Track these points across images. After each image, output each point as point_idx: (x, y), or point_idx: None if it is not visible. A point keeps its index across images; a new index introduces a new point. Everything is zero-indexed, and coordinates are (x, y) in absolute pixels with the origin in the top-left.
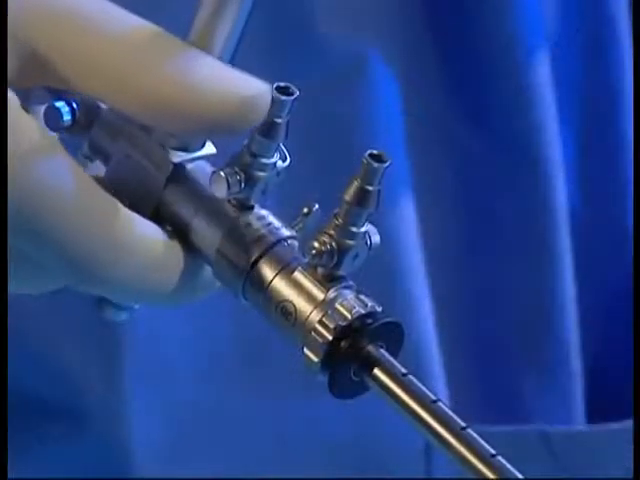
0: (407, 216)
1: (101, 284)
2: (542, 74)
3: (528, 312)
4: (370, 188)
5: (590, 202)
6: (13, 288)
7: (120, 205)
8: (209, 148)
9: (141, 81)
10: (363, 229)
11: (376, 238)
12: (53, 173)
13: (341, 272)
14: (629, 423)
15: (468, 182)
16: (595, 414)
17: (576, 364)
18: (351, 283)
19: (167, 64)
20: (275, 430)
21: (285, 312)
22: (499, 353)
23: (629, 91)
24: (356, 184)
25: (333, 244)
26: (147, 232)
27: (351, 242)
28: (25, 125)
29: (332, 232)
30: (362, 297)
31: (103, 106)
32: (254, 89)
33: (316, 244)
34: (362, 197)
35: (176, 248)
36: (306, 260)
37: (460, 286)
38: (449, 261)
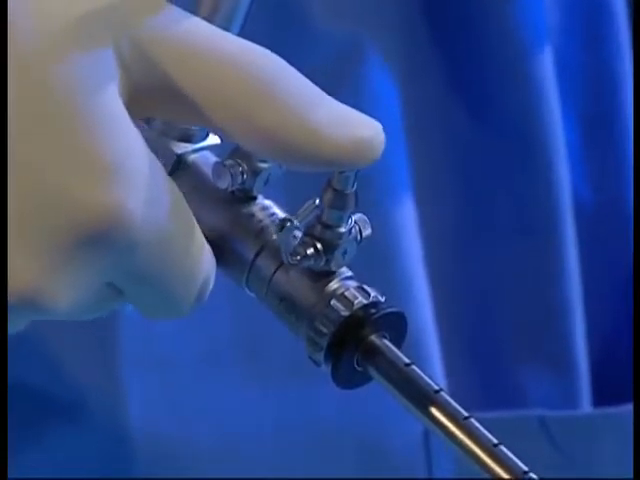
0: (407, 207)
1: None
2: (543, 63)
3: (528, 299)
4: (347, 192)
5: (594, 190)
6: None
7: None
8: (213, 138)
9: (265, 119)
10: (346, 228)
11: (367, 231)
12: (171, 216)
13: (334, 268)
14: (628, 408)
15: (469, 172)
16: (594, 399)
17: (576, 350)
18: (351, 274)
19: (290, 102)
20: (274, 417)
21: (288, 303)
22: (499, 340)
23: (630, 79)
24: (331, 189)
25: (318, 245)
26: (209, 256)
27: (337, 241)
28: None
29: (316, 234)
30: (365, 287)
31: None
32: (368, 131)
33: (300, 249)
34: (340, 201)
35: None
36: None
37: (460, 274)
38: (449, 250)
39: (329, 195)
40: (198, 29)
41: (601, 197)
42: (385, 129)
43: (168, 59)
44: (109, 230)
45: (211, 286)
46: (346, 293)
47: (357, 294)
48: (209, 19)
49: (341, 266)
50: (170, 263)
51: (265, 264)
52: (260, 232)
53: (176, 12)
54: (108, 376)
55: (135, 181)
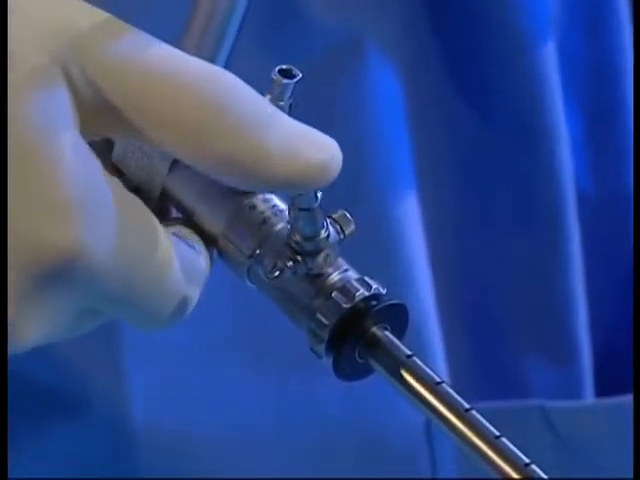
0: (409, 200)
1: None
2: (546, 56)
3: (531, 290)
4: (312, 209)
5: (596, 181)
6: (64, 337)
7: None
8: None
9: (217, 144)
10: (323, 234)
11: (349, 228)
12: (145, 241)
13: (316, 271)
14: (629, 398)
15: (471, 165)
16: (596, 389)
17: (579, 340)
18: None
19: (242, 124)
20: (276, 410)
21: (290, 295)
22: (500, 331)
23: (631, 69)
24: (295, 208)
25: (298, 257)
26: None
27: (316, 250)
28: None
29: (293, 245)
30: (366, 279)
31: None
32: (322, 155)
33: (280, 262)
34: (307, 218)
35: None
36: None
37: (462, 266)
38: (452, 242)
39: (294, 214)
40: (153, 51)
41: (604, 189)
42: (386, 122)
43: (121, 83)
44: (69, 267)
45: (194, 301)
46: (347, 285)
47: (358, 286)
48: (209, 15)
49: (323, 269)
50: (139, 287)
51: (267, 256)
52: (262, 224)
53: (132, 35)
54: (111, 369)
55: (93, 215)
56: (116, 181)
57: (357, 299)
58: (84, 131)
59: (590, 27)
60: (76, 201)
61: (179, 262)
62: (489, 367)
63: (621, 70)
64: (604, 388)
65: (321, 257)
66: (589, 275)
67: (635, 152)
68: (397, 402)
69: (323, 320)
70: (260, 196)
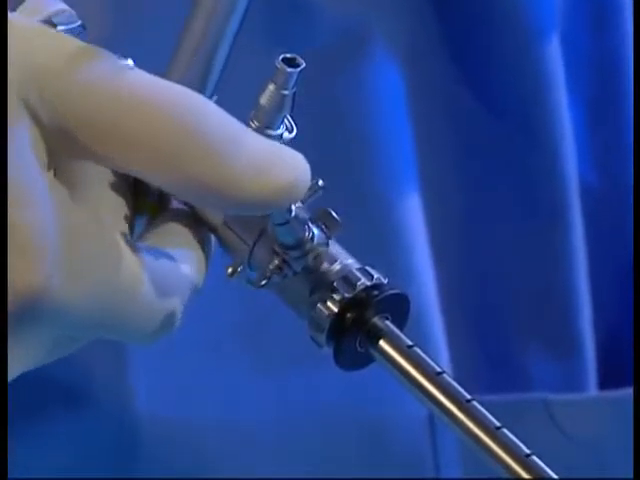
0: (412, 192)
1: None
2: (550, 47)
3: (534, 282)
4: (289, 221)
5: (599, 174)
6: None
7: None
8: None
9: (185, 167)
10: (307, 236)
11: (336, 227)
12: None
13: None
14: (632, 391)
15: (474, 157)
16: (600, 382)
17: (582, 332)
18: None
19: (211, 147)
20: (277, 402)
21: (291, 284)
22: (503, 323)
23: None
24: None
25: (285, 266)
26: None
27: (304, 254)
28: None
29: (280, 253)
30: (368, 269)
31: None
32: (290, 175)
33: (267, 271)
34: (286, 229)
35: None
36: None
37: (465, 258)
38: (454, 235)
39: (272, 229)
40: (120, 76)
41: (607, 182)
42: (390, 115)
43: (88, 108)
44: (33, 305)
45: (178, 312)
46: (349, 275)
47: (360, 276)
48: (213, 5)
49: (317, 266)
50: (109, 313)
51: (268, 245)
52: None
53: (100, 60)
54: (114, 362)
55: (54, 252)
56: (79, 212)
57: (358, 289)
58: (52, 159)
59: (595, 21)
60: (37, 240)
61: (151, 279)
62: (491, 360)
63: (625, 64)
64: (607, 381)
65: (310, 258)
66: (592, 267)
67: (635, 149)
68: (399, 395)
69: (324, 310)
70: None
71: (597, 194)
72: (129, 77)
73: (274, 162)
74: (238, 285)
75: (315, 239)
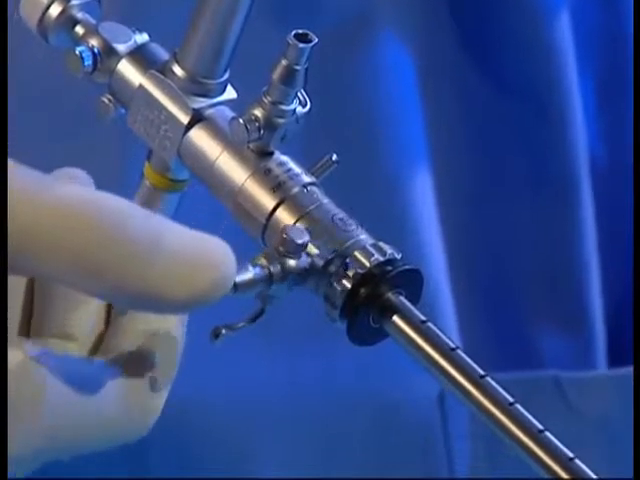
0: (421, 170)
1: None
2: (560, 25)
3: (544, 260)
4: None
5: (609, 149)
6: None
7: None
8: (230, 93)
9: (104, 273)
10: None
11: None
12: None
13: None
14: None
15: (486, 134)
16: (610, 359)
17: (592, 310)
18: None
19: (130, 254)
20: (289, 382)
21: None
22: (514, 301)
23: None
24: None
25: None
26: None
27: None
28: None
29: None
30: (381, 245)
31: (122, 52)
32: (212, 274)
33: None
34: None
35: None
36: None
37: (475, 235)
38: (465, 212)
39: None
40: (39, 186)
41: (617, 157)
42: (399, 95)
43: (11, 216)
44: None
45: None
46: (363, 250)
47: (373, 251)
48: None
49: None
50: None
51: (281, 220)
52: (277, 187)
53: (20, 173)
54: None
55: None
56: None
57: (372, 264)
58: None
59: None
60: (20, 414)
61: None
62: (503, 338)
63: (634, 39)
64: (617, 359)
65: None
66: (603, 244)
67: (635, 164)
68: (411, 373)
69: (338, 285)
70: (275, 159)
71: (607, 170)
72: (54, 190)
73: (196, 263)
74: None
75: (311, 265)
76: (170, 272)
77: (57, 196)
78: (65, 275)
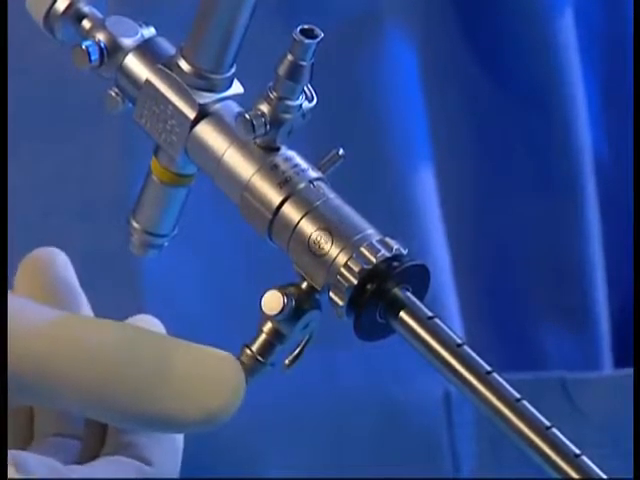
0: (425, 166)
1: None
2: (564, 23)
3: (549, 260)
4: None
5: (613, 145)
6: None
7: None
8: (236, 88)
9: (115, 404)
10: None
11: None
12: None
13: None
14: None
15: (489, 132)
16: (615, 360)
17: (598, 311)
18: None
19: (140, 382)
20: (294, 381)
21: (312, 254)
22: (519, 301)
23: None
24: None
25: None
26: None
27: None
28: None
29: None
30: (388, 240)
31: (129, 46)
32: (221, 399)
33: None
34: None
35: None
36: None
37: (480, 233)
38: (469, 209)
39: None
40: (50, 319)
41: (620, 155)
42: (404, 92)
43: (23, 353)
44: None
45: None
46: (369, 246)
47: (380, 247)
48: None
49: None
50: None
51: (288, 215)
52: (284, 183)
53: (29, 308)
54: None
55: None
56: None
57: (379, 260)
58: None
59: None
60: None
61: None
62: (508, 339)
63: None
64: (622, 359)
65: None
66: (608, 245)
67: (635, 164)
68: (417, 374)
69: (344, 280)
70: (282, 155)
71: (611, 168)
72: (60, 321)
73: (204, 386)
74: (255, 260)
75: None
76: (182, 394)
77: (64, 327)
78: (79, 407)
